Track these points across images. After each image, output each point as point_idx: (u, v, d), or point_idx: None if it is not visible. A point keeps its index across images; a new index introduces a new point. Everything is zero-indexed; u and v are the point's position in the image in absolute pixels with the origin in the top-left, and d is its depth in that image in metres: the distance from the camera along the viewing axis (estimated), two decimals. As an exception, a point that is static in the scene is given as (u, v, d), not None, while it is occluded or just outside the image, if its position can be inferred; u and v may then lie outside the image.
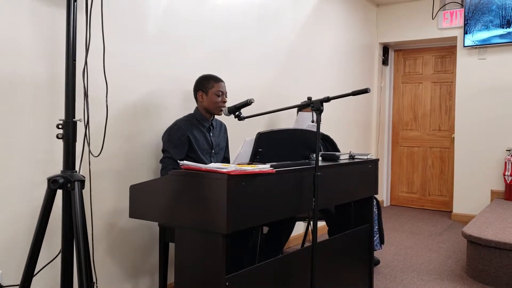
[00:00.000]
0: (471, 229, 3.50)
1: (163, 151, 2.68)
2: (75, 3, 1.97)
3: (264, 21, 3.84)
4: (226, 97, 2.78)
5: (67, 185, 1.92)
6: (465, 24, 5.35)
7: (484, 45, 5.27)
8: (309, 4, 4.50)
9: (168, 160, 2.62)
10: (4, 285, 2.09)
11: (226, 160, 2.97)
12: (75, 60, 1.96)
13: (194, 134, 2.69)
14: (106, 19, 2.24)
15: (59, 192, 1.96)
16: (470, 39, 5.33)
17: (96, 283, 2.05)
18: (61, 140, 1.95)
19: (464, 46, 5.40)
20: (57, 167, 2.16)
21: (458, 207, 5.52)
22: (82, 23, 2.07)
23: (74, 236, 1.91)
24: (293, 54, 4.26)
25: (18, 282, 1.94)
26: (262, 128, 3.78)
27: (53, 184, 1.91)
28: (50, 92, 2.27)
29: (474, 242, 3.37)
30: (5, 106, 2.10)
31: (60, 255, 2.00)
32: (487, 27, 5.22)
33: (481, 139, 5.38)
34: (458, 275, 3.49)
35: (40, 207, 1.94)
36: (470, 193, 5.42)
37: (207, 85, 2.75)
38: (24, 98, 2.17)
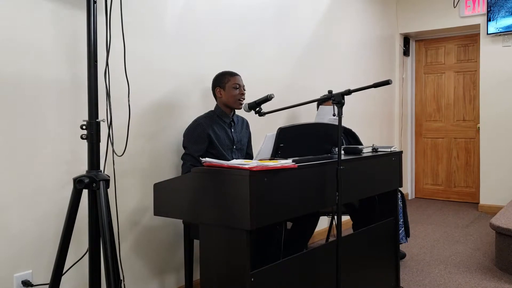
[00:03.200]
0: (499, 220, 3.43)
1: (183, 147, 2.71)
2: (95, 4, 1.99)
3: (282, 15, 3.82)
4: (244, 90, 2.79)
5: (92, 184, 1.95)
6: (488, 11, 5.22)
7: (508, 32, 5.14)
8: (327, -4, 4.46)
9: (187, 156, 2.65)
10: (34, 284, 2.14)
11: (249, 156, 2.97)
12: (96, 61, 1.99)
13: (214, 130, 2.70)
14: (126, 20, 2.26)
15: (85, 192, 1.99)
16: (493, 26, 5.21)
17: (124, 281, 2.08)
18: (85, 140, 1.98)
19: (487, 34, 5.27)
20: (82, 167, 2.19)
21: (485, 198, 5.41)
22: (102, 24, 2.09)
23: (100, 235, 1.93)
24: (312, 47, 4.23)
25: (48, 281, 1.98)
26: (283, 123, 3.77)
27: (78, 184, 1.94)
28: (73, 94, 2.30)
29: (503, 234, 3.30)
30: (30, 108, 2.14)
31: (87, 253, 2.03)
32: (511, 13, 5.09)
33: (508, 128, 5.25)
34: (487, 267, 3.43)
35: (66, 207, 1.98)
36: (497, 184, 5.31)
37: (223, 80, 2.76)
38: (48, 100, 2.21)
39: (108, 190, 1.98)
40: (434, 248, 3.96)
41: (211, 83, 2.85)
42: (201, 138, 2.65)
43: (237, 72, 2.82)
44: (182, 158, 2.69)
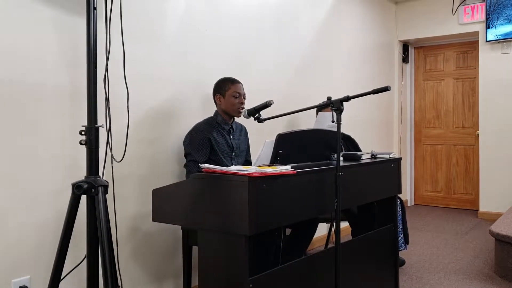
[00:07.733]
0: (499, 227, 3.42)
1: (186, 155, 2.69)
2: (95, 11, 2.00)
3: (281, 22, 3.84)
4: (244, 98, 2.78)
5: (91, 190, 1.94)
6: (487, 19, 5.25)
7: (507, 39, 5.16)
8: (327, 3, 4.48)
9: (192, 163, 2.61)
10: (32, 289, 2.14)
11: (248, 163, 2.97)
12: (96, 67, 1.99)
13: (214, 136, 2.70)
14: (125, 26, 2.27)
15: (84, 198, 1.99)
16: (492, 34, 5.23)
17: (122, 287, 2.07)
18: (84, 146, 1.98)
19: (486, 41, 5.29)
20: (81, 173, 2.19)
21: (485, 205, 5.41)
22: (102, 30, 2.09)
23: (99, 241, 1.93)
24: (312, 54, 4.24)
25: (46, 287, 1.98)
26: (282, 130, 3.77)
27: (77, 189, 1.94)
28: (72, 99, 2.31)
29: (502, 241, 3.29)
30: (30, 114, 2.15)
31: (85, 259, 2.03)
32: (510, 21, 5.11)
33: (507, 135, 5.25)
34: (487, 274, 3.42)
35: (65, 213, 1.97)
36: (497, 191, 5.30)
37: (224, 87, 2.76)
38: (48, 106, 2.22)
39: (106, 195, 1.98)
40: (433, 255, 3.95)
41: (210, 89, 2.85)
42: (203, 143, 2.64)
43: (238, 79, 2.82)
44: (186, 166, 2.67)
